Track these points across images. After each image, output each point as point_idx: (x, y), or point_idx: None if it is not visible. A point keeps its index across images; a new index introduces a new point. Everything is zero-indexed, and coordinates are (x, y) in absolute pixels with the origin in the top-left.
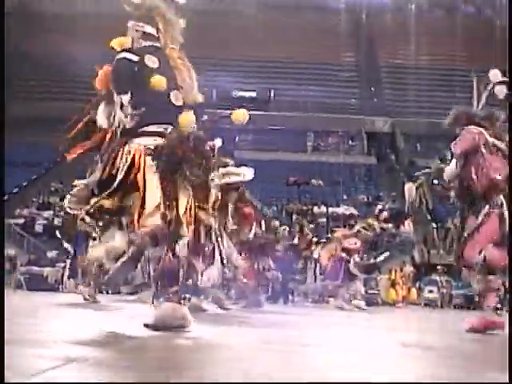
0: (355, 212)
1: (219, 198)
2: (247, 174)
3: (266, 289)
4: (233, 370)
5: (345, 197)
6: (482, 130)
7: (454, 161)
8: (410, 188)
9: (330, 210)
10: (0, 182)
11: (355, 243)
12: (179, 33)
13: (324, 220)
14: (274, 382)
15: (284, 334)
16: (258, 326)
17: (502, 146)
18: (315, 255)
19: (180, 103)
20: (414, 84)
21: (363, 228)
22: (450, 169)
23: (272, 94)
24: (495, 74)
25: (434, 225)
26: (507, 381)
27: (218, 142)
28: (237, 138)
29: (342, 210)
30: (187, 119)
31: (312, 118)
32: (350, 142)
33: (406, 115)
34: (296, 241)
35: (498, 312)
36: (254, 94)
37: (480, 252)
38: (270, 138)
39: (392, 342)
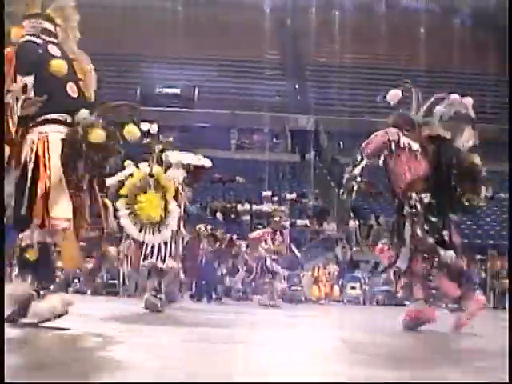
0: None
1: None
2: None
3: (189, 286)
4: (147, 369)
5: (269, 194)
6: (397, 131)
7: (363, 161)
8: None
9: (254, 207)
10: (0, 181)
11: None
12: (76, 27)
13: (248, 217)
14: (190, 382)
15: (205, 331)
16: (179, 324)
17: (416, 147)
18: (241, 253)
19: (75, 95)
20: (337, 82)
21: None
22: (359, 169)
23: (196, 91)
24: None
25: (356, 222)
26: (507, 381)
27: (154, 127)
28: (160, 135)
29: (266, 207)
30: (83, 113)
31: (236, 116)
32: (274, 140)
33: (329, 113)
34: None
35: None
36: (177, 91)
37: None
38: (194, 136)
39: (315, 338)
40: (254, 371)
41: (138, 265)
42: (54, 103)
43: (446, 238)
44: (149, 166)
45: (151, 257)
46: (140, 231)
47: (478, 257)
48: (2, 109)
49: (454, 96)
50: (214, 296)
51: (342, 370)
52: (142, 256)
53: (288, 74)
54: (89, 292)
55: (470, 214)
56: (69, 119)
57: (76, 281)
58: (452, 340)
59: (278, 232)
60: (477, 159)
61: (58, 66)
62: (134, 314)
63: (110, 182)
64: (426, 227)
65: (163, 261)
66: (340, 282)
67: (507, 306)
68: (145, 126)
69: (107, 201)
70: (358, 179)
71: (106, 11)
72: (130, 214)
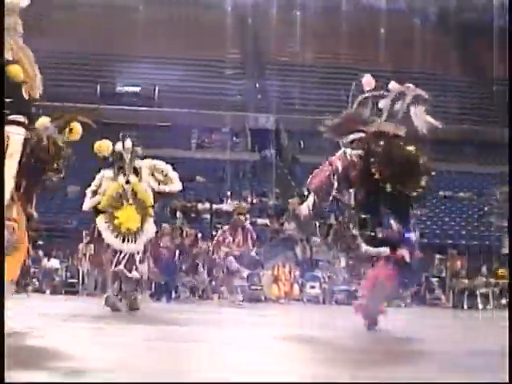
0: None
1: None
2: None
3: (149, 285)
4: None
5: (229, 193)
6: (340, 155)
7: (310, 197)
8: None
9: (214, 206)
10: (0, 181)
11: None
12: (19, 24)
13: (208, 216)
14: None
15: (164, 330)
16: (138, 322)
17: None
18: (202, 252)
19: (27, 97)
20: (298, 81)
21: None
22: (307, 204)
23: (156, 90)
24: (368, 82)
25: (316, 221)
26: (507, 381)
27: (128, 143)
28: (120, 134)
29: (226, 206)
30: (41, 122)
31: (196, 115)
32: (235, 139)
33: (290, 112)
34: (179, 239)
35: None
36: (137, 90)
37: None
38: (154, 135)
39: (273, 337)
40: (211, 369)
41: (108, 269)
42: (13, 105)
43: (380, 234)
44: (124, 174)
45: (122, 263)
46: (122, 241)
47: (438, 256)
48: (1, 109)
49: (411, 86)
50: (173, 295)
51: (302, 369)
52: (115, 262)
53: (248, 73)
54: (48, 291)
55: (414, 205)
56: (26, 121)
57: (35, 280)
58: (407, 340)
59: (239, 229)
60: (412, 149)
61: (15, 71)
62: (95, 313)
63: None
64: (354, 223)
65: (136, 269)
66: (300, 281)
67: (507, 304)
68: (119, 146)
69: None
70: (307, 215)
71: (68, 10)
72: (109, 227)
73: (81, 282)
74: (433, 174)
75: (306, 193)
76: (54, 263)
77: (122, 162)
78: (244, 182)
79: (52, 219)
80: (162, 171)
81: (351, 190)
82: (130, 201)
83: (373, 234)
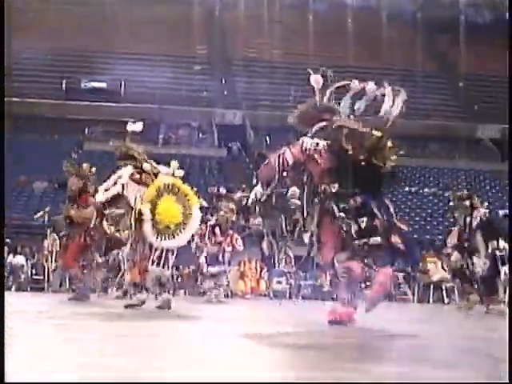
0: (205, 204)
1: None
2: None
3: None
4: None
5: (195, 189)
6: (297, 148)
7: (259, 185)
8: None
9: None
10: (0, 181)
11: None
12: None
13: None
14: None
15: (133, 325)
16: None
17: (322, 143)
18: None
19: None
20: (265, 78)
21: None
22: (254, 193)
23: (123, 85)
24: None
25: (282, 216)
26: (507, 381)
27: (138, 126)
28: (87, 129)
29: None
30: None
31: (163, 110)
32: (201, 135)
33: (256, 108)
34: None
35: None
36: (104, 85)
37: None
38: (120, 130)
39: (238, 335)
40: (174, 365)
41: (146, 268)
42: None
43: (363, 225)
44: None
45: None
46: (157, 237)
47: None
48: (2, 109)
49: (372, 86)
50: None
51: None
52: (151, 261)
53: (216, 69)
54: (13, 288)
55: (387, 181)
56: None
57: None
58: (374, 335)
59: (218, 227)
60: (377, 132)
61: None
62: (63, 310)
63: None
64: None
65: (168, 267)
66: (266, 277)
67: (507, 303)
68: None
69: None
70: (254, 199)
71: (33, 4)
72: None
73: (46, 279)
74: (401, 153)
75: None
76: (20, 260)
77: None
78: (210, 178)
79: (18, 215)
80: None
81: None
82: (172, 194)
83: (358, 224)
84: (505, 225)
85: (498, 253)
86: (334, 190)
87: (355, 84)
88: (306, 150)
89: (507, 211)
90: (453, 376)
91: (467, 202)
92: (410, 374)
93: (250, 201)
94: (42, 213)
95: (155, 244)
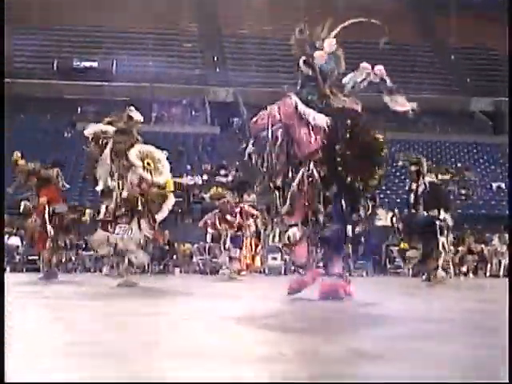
0: (199, 181)
1: None
2: None
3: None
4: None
5: (188, 167)
6: (293, 102)
7: (251, 140)
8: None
9: (175, 180)
10: (0, 181)
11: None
12: None
13: None
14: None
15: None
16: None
17: (321, 121)
18: None
19: None
20: (256, 54)
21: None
22: (249, 148)
23: (114, 64)
24: (320, 56)
25: (276, 193)
26: (507, 381)
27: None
28: (79, 109)
29: (186, 179)
30: None
31: (155, 89)
32: (194, 112)
33: (248, 85)
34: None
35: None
36: (95, 64)
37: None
38: (113, 109)
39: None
40: (168, 342)
41: None
42: None
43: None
44: None
45: None
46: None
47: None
48: (2, 111)
49: (364, 64)
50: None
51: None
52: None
53: (207, 47)
54: (8, 269)
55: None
56: None
57: None
58: (367, 306)
59: (229, 212)
60: (379, 137)
61: None
62: (57, 291)
63: None
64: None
65: None
66: (261, 253)
67: (507, 302)
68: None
69: None
70: (252, 154)
71: None
72: None
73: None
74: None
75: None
76: (15, 241)
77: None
78: (203, 155)
79: (13, 196)
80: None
81: (319, 168)
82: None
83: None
84: (447, 196)
85: (437, 222)
86: (322, 174)
87: (364, 64)
88: (302, 113)
89: (501, 183)
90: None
91: (413, 168)
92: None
93: (249, 149)
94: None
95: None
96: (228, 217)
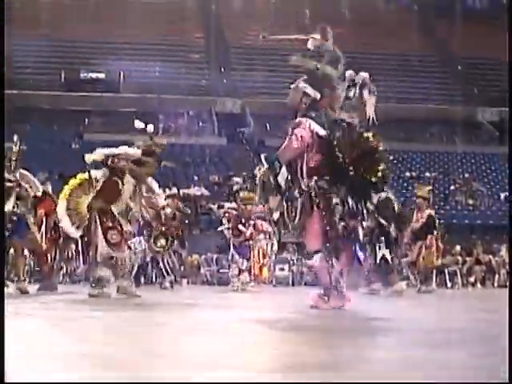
0: (206, 193)
1: None
2: None
3: None
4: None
5: (196, 178)
6: (310, 126)
7: (283, 168)
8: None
9: (181, 191)
10: (0, 180)
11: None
12: None
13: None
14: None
15: (137, 315)
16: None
17: (323, 133)
18: None
19: None
20: (262, 65)
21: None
22: (282, 175)
23: (121, 76)
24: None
25: (284, 204)
26: (507, 381)
27: (149, 127)
28: (86, 120)
29: (193, 190)
30: None
31: (162, 100)
32: (201, 123)
33: (255, 96)
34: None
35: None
36: (102, 76)
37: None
38: (119, 121)
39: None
40: (165, 353)
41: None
42: None
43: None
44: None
45: None
46: None
47: None
48: (2, 110)
49: (349, 71)
50: (142, 281)
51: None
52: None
53: (214, 58)
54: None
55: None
56: None
57: None
58: (374, 318)
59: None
60: (371, 136)
61: None
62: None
63: None
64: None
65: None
66: (269, 264)
67: (507, 302)
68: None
69: None
70: (283, 186)
71: None
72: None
73: None
74: (391, 159)
75: (277, 165)
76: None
77: None
78: (210, 167)
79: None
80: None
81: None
82: None
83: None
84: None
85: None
86: (325, 187)
87: (351, 74)
88: (312, 131)
89: (507, 193)
90: None
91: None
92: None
93: (280, 181)
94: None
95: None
96: (240, 226)
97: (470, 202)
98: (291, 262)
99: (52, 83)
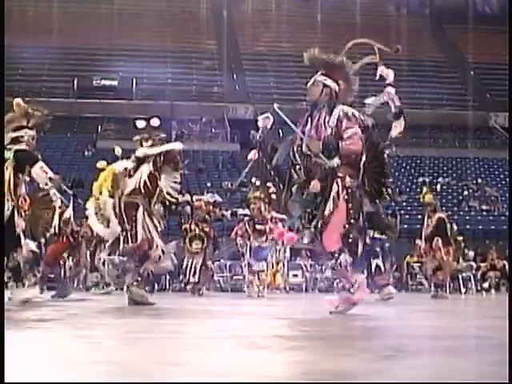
0: (219, 199)
1: None
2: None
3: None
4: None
5: (209, 184)
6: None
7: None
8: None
9: (195, 197)
10: (0, 184)
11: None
12: None
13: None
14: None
15: (149, 323)
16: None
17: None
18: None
19: None
20: (275, 71)
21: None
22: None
23: (134, 83)
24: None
25: (300, 209)
26: (507, 381)
27: (155, 121)
28: (99, 127)
29: (207, 197)
30: None
31: (175, 106)
32: (213, 130)
33: (267, 102)
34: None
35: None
36: (115, 83)
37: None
38: (132, 127)
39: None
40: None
41: None
42: None
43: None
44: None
45: None
46: None
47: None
48: (2, 110)
49: (389, 89)
50: (156, 287)
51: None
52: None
53: (226, 64)
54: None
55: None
56: None
57: None
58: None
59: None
60: (386, 153)
61: None
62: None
63: None
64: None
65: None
66: (282, 270)
67: (507, 302)
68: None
69: None
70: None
71: (43, 3)
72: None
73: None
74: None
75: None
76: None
77: None
78: (223, 173)
79: None
80: None
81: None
82: None
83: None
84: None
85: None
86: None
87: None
88: (361, 122)
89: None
90: None
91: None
92: None
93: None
94: None
95: None
96: (258, 226)
97: (484, 207)
98: (304, 268)
99: (65, 91)
